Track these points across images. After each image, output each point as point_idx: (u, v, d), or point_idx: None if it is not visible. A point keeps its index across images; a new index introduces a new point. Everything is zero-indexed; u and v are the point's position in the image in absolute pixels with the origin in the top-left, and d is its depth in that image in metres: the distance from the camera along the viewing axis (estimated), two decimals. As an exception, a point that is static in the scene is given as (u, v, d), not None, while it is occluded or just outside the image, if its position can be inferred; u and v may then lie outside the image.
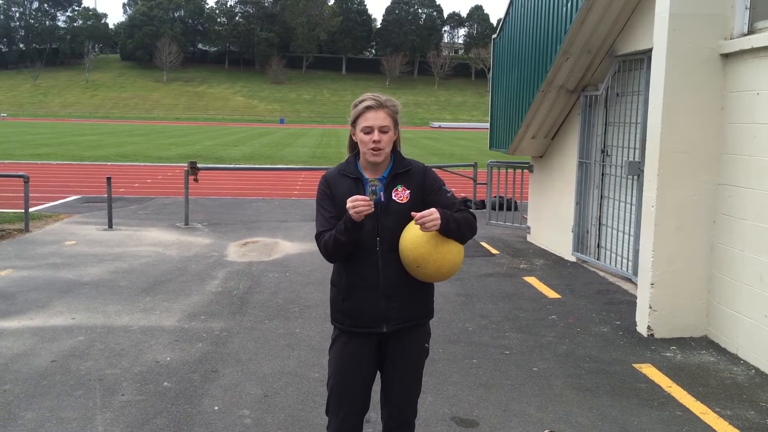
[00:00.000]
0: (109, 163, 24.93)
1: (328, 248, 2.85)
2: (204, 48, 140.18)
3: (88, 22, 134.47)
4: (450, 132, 66.92)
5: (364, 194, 2.79)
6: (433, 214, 2.70)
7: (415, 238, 2.75)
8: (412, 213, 2.75)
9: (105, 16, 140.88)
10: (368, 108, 2.81)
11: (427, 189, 2.90)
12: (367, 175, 2.90)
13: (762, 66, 5.15)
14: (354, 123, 2.87)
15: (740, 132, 5.42)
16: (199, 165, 12.25)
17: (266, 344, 5.60)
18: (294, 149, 36.05)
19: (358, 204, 2.68)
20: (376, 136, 2.79)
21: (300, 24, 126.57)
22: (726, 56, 5.57)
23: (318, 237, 2.91)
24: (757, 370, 5.12)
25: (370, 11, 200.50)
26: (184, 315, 6.37)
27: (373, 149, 2.80)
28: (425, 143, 43.11)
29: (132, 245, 9.65)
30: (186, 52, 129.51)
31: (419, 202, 2.87)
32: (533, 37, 8.92)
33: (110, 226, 11.00)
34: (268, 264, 8.62)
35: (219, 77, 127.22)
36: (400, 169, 2.89)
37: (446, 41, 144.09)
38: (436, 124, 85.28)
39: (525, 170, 11.09)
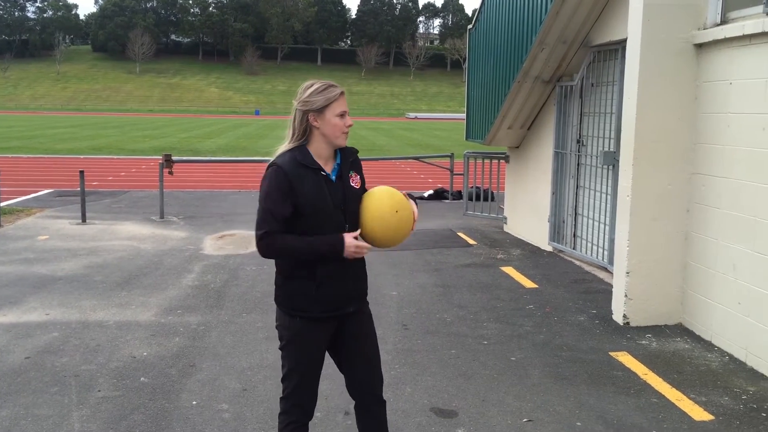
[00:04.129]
0: (82, 156, 24.57)
1: (288, 255, 2.88)
2: (177, 39, 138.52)
3: (59, 13, 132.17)
4: (426, 123, 66.92)
5: (329, 183, 2.90)
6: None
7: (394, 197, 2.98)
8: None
9: (75, 6, 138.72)
10: (342, 93, 2.93)
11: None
12: (320, 164, 2.92)
13: (734, 56, 5.20)
14: (324, 108, 2.86)
15: (714, 122, 5.48)
16: (173, 157, 12.12)
17: (244, 338, 5.57)
18: (270, 141, 35.83)
19: (362, 250, 2.88)
20: (349, 120, 2.94)
21: (274, 14, 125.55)
22: (699, 46, 5.62)
23: (266, 236, 2.83)
24: (731, 356, 5.20)
25: (344, 1, 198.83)
26: (161, 309, 6.31)
27: (345, 133, 2.94)
28: (401, 134, 43.07)
29: (106, 239, 9.53)
30: (159, 43, 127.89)
31: (363, 183, 3.08)
32: (509, 27, 8.93)
33: (84, 220, 10.85)
34: (245, 257, 8.56)
35: (193, 69, 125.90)
36: (351, 157, 3.04)
37: (421, 32, 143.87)
38: (412, 114, 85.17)
39: (501, 161, 11.13)
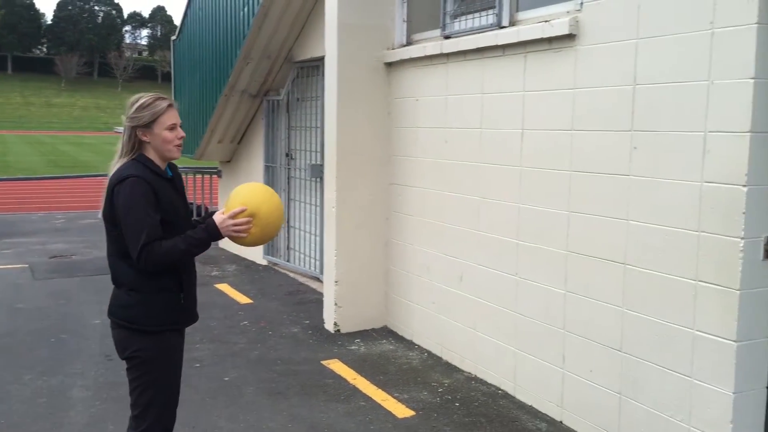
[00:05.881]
0: None
1: (171, 258, 2.79)
2: None
3: None
4: (137, 137, 63.72)
5: (176, 192, 2.97)
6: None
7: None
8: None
9: None
10: (170, 106, 2.91)
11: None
12: None
13: (419, 75, 5.65)
14: (152, 123, 2.87)
15: (405, 135, 5.90)
16: None
17: None
18: (-52, 158, 31.26)
19: (242, 224, 2.85)
20: (181, 132, 2.93)
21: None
22: (390, 65, 6.02)
23: (146, 247, 2.74)
24: (429, 353, 5.61)
25: (38, 6, 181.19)
26: None
27: (178, 146, 2.93)
28: (109, 149, 39.99)
29: None
30: None
31: None
32: (213, 40, 8.80)
33: None
34: None
35: None
36: (176, 170, 3.08)
37: (128, 42, 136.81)
38: (120, 128, 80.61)
39: (214, 176, 10.91)
